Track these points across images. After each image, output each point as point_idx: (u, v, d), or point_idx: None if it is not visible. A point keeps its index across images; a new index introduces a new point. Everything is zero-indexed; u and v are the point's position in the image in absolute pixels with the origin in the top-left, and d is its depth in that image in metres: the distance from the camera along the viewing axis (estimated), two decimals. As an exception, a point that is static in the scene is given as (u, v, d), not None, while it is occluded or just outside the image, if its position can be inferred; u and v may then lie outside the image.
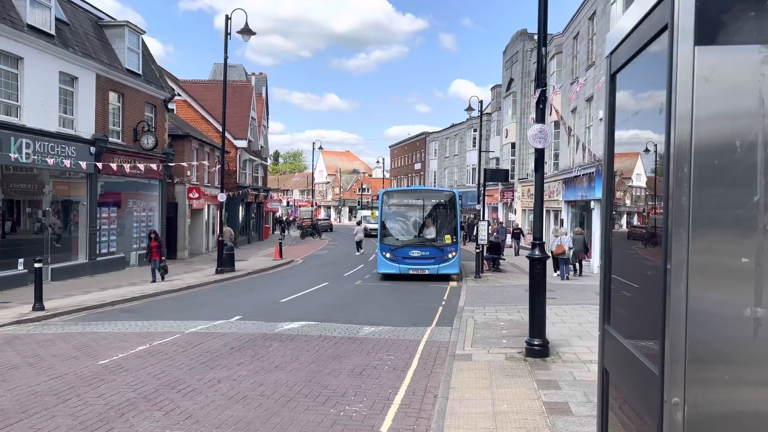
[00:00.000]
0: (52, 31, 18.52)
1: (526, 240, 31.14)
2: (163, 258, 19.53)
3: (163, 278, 19.31)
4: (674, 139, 2.09)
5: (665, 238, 2.15)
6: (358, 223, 38.25)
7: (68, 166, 18.43)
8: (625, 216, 3.09)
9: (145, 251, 20.06)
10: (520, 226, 34.71)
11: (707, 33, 2.06)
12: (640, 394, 2.42)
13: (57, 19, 19.09)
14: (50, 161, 17.84)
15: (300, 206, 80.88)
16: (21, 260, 17.32)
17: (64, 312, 13.27)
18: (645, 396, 2.35)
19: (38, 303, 13.05)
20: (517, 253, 30.58)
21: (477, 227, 24.95)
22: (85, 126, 20.31)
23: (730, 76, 2.06)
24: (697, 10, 2.06)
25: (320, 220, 61.95)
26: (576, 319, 11.87)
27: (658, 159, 2.46)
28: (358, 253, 32.28)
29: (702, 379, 2.08)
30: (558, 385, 7.22)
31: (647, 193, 2.68)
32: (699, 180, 2.08)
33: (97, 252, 21.49)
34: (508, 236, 33.08)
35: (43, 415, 6.41)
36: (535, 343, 8.63)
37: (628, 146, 2.91)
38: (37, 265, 13.20)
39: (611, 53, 2.95)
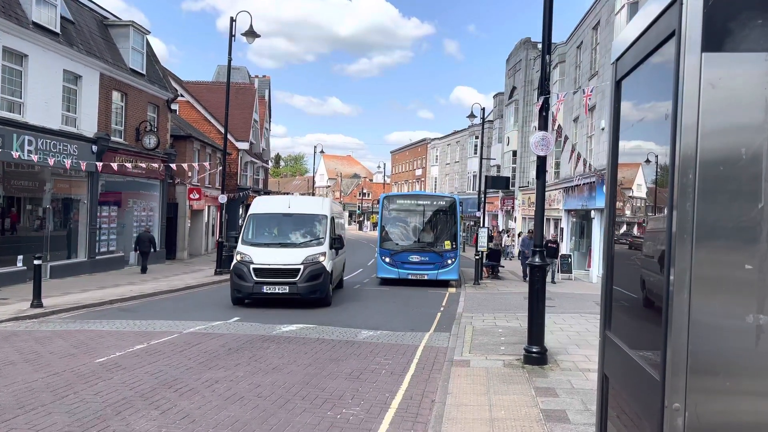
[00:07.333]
0: (57, 30, 18.56)
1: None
2: None
3: None
4: (680, 146, 2.10)
5: (668, 248, 2.15)
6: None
7: (69, 165, 18.42)
8: (634, 226, 3.08)
9: None
10: (556, 238, 25.15)
11: (715, 40, 2.07)
12: (641, 399, 2.42)
13: (62, 18, 19.14)
14: (51, 160, 17.85)
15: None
16: (20, 257, 17.30)
17: (62, 309, 13.24)
18: (646, 401, 2.34)
19: (36, 300, 13.02)
20: (552, 279, 20.86)
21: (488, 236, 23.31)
22: (88, 124, 20.33)
23: (736, 84, 2.07)
24: (705, 17, 2.07)
25: None
26: (574, 327, 11.85)
27: (661, 168, 2.46)
28: None
29: (703, 387, 2.07)
30: (556, 392, 7.20)
31: (649, 203, 2.67)
32: (703, 189, 2.08)
33: (97, 251, 21.47)
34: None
35: (40, 411, 6.39)
36: (534, 350, 8.61)
37: (633, 156, 2.91)
38: (36, 262, 13.18)
39: (617, 60, 2.96)
